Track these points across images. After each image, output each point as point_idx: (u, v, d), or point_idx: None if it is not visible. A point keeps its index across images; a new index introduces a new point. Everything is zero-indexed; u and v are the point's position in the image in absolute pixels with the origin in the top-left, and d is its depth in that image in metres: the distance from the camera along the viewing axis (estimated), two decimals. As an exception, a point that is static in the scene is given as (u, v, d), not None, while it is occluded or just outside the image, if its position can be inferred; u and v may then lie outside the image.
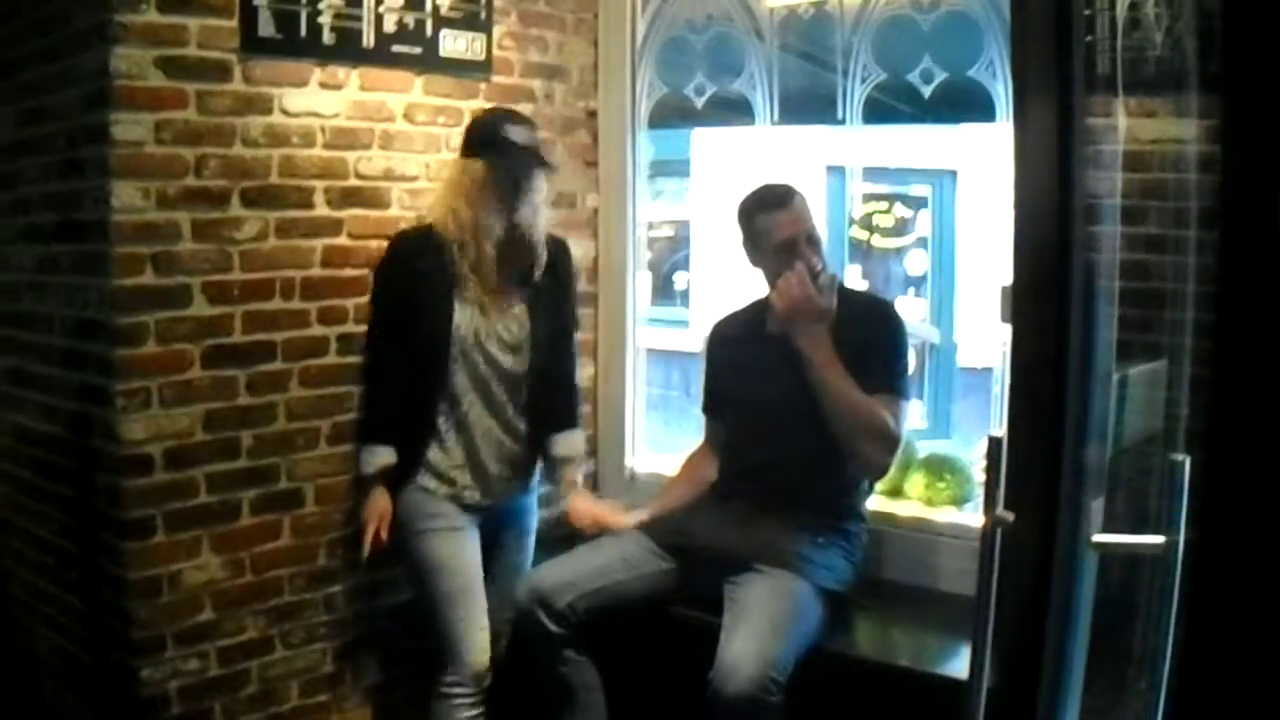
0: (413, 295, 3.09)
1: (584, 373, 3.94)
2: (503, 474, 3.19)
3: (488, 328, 3.10)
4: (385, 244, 3.31)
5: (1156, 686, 1.70)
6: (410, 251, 3.12)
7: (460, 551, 3.10)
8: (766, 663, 2.70)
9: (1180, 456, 1.66)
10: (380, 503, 3.11)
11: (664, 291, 8.30)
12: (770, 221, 3.10)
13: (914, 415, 3.31)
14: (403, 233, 3.22)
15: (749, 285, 3.27)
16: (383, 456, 3.11)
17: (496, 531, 3.26)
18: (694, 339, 7.46)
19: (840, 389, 2.98)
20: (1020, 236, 1.85)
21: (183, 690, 3.06)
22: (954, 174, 8.30)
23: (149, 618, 2.99)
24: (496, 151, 3.06)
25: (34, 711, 3.50)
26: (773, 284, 3.09)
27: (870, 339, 3.08)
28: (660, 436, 4.21)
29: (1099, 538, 1.83)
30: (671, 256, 8.58)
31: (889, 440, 3.02)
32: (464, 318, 3.07)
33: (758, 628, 2.79)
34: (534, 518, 3.40)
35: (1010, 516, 1.70)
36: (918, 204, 8.59)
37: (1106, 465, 1.95)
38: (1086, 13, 1.96)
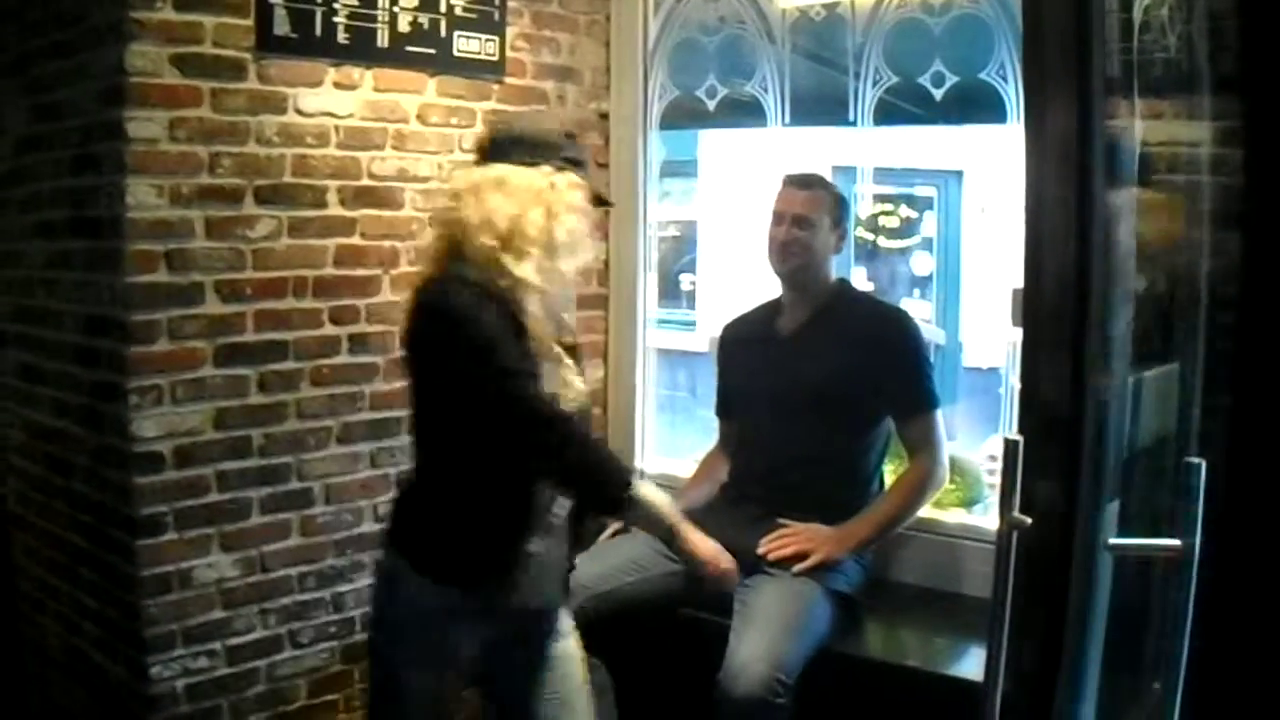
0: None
1: (594, 374, 3.96)
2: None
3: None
4: (398, 244, 3.33)
5: (1172, 690, 1.70)
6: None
7: None
8: (775, 665, 2.71)
9: (1196, 459, 1.66)
10: None
11: (670, 292, 8.28)
12: (782, 193, 3.22)
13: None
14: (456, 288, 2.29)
15: (755, 286, 3.29)
16: None
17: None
18: (700, 340, 7.45)
19: (885, 527, 3.12)
20: (1035, 239, 1.85)
21: (191, 688, 3.07)
22: (960, 174, 8.29)
23: (159, 615, 2.99)
24: (583, 172, 2.45)
25: (43, 707, 3.50)
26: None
27: (892, 361, 3.12)
28: (667, 437, 4.21)
29: (1115, 541, 1.83)
30: (678, 257, 8.56)
31: (935, 481, 3.14)
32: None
33: (767, 630, 2.79)
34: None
35: (1026, 520, 1.69)
36: (923, 205, 8.59)
37: (1121, 469, 1.95)
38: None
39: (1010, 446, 1.72)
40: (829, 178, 3.40)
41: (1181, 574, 1.67)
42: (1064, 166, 1.79)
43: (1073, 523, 1.76)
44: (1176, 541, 1.66)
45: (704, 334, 7.54)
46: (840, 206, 3.22)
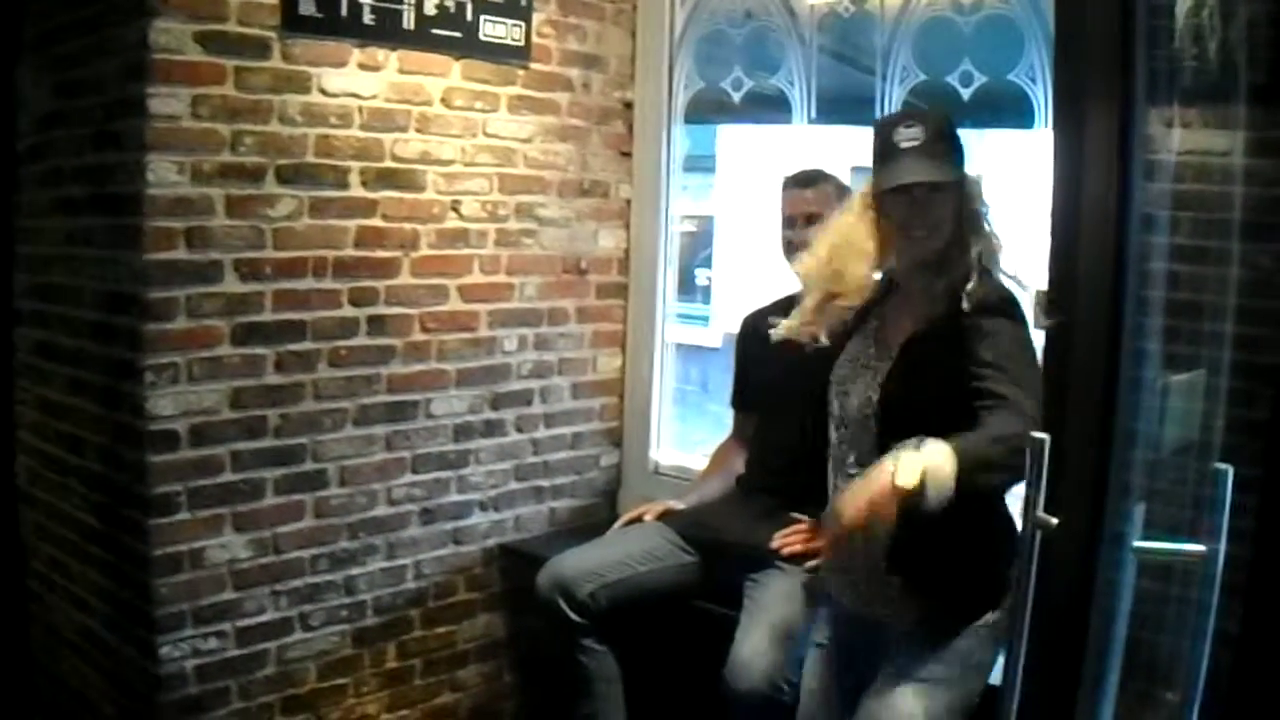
0: None
1: (612, 364, 3.94)
2: None
3: None
4: (419, 227, 3.34)
5: (1191, 697, 1.69)
6: None
7: None
8: (780, 661, 2.71)
9: (1224, 466, 1.64)
10: None
11: (685, 287, 8.28)
12: (787, 195, 3.19)
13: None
14: None
15: (772, 284, 3.27)
16: None
17: None
18: (714, 335, 7.43)
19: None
20: (1066, 241, 1.83)
21: (200, 669, 3.06)
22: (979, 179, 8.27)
23: (170, 595, 2.99)
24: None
25: (51, 686, 3.49)
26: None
27: None
28: (679, 431, 4.20)
29: (1140, 544, 1.81)
30: (694, 252, 8.55)
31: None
32: None
33: (774, 626, 2.79)
34: None
35: (1051, 520, 1.68)
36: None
37: (1147, 473, 1.94)
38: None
39: (1037, 445, 1.70)
40: (849, 177, 3.37)
41: (1204, 580, 1.65)
42: (1100, 171, 1.77)
43: (1099, 524, 1.74)
44: (1202, 547, 1.65)
45: (718, 330, 7.53)
46: (844, 194, 3.19)
